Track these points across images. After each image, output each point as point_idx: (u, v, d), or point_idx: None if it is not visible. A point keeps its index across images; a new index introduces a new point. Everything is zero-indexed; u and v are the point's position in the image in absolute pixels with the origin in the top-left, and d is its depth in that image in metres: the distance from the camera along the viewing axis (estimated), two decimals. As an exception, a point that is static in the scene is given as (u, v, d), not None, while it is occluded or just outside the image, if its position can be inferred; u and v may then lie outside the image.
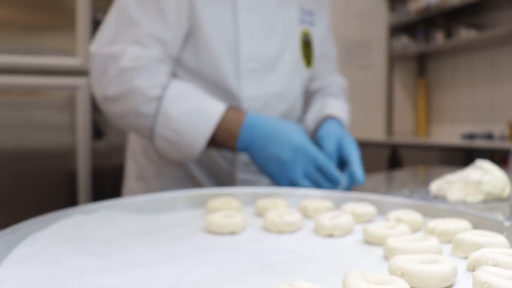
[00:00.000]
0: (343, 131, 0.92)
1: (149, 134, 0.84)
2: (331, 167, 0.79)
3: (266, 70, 0.93)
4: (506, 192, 0.74)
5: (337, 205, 0.64)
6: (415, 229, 0.53)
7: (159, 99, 0.81)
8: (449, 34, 3.43)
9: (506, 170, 1.13)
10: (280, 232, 0.53)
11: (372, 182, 0.97)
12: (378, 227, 0.49)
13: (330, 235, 0.51)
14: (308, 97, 1.15)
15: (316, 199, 0.65)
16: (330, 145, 0.87)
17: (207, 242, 0.49)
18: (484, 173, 0.74)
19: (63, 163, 1.83)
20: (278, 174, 0.80)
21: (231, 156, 0.96)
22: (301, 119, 1.09)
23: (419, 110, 3.85)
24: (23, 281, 0.37)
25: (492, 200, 0.73)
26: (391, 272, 0.36)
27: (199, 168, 0.97)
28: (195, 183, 0.97)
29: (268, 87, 0.94)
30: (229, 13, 0.88)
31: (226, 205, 0.61)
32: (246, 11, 0.89)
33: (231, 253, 0.45)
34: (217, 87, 0.90)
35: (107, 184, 1.92)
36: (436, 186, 0.79)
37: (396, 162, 3.27)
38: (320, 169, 0.79)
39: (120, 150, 1.92)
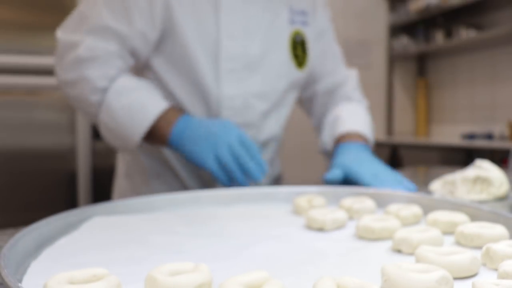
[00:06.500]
0: (359, 158, 0.87)
1: (96, 121, 0.91)
2: (257, 153, 0.82)
3: (248, 70, 0.94)
4: (506, 192, 0.74)
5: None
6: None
7: (105, 90, 0.87)
8: (449, 34, 3.42)
9: (506, 170, 1.13)
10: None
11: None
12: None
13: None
14: (319, 100, 1.13)
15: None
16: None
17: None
18: (484, 173, 0.75)
19: (63, 163, 1.83)
20: (203, 149, 0.82)
21: None
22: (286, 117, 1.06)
23: (419, 110, 3.84)
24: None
25: (492, 200, 0.73)
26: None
27: (183, 166, 0.98)
28: (179, 182, 0.99)
29: (249, 87, 0.95)
30: (210, 14, 0.90)
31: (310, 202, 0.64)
32: (229, 11, 0.91)
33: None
34: (195, 86, 0.92)
35: (107, 184, 1.92)
36: (436, 186, 0.80)
37: (396, 162, 3.27)
38: (245, 147, 0.82)
39: (120, 150, 1.91)
